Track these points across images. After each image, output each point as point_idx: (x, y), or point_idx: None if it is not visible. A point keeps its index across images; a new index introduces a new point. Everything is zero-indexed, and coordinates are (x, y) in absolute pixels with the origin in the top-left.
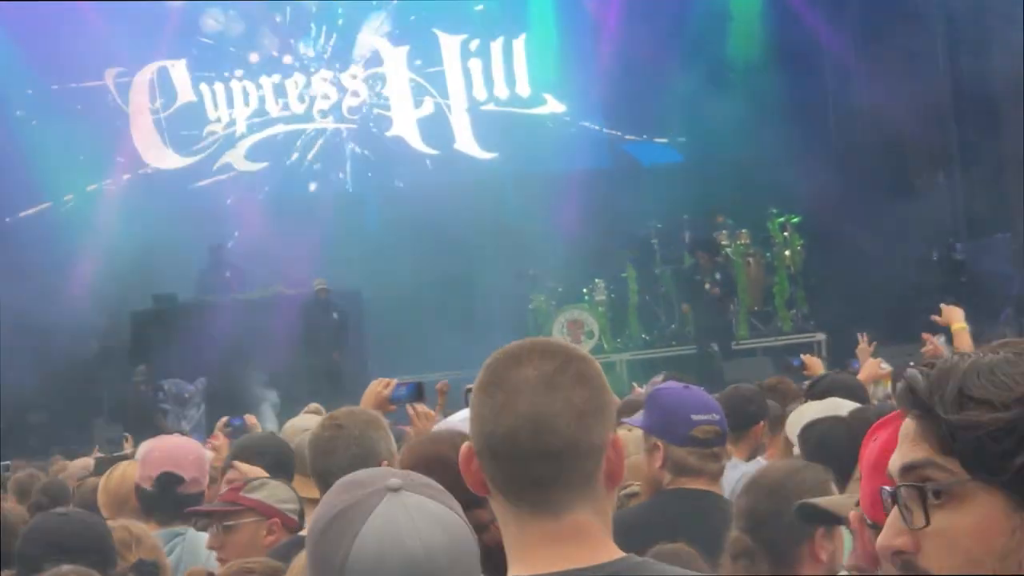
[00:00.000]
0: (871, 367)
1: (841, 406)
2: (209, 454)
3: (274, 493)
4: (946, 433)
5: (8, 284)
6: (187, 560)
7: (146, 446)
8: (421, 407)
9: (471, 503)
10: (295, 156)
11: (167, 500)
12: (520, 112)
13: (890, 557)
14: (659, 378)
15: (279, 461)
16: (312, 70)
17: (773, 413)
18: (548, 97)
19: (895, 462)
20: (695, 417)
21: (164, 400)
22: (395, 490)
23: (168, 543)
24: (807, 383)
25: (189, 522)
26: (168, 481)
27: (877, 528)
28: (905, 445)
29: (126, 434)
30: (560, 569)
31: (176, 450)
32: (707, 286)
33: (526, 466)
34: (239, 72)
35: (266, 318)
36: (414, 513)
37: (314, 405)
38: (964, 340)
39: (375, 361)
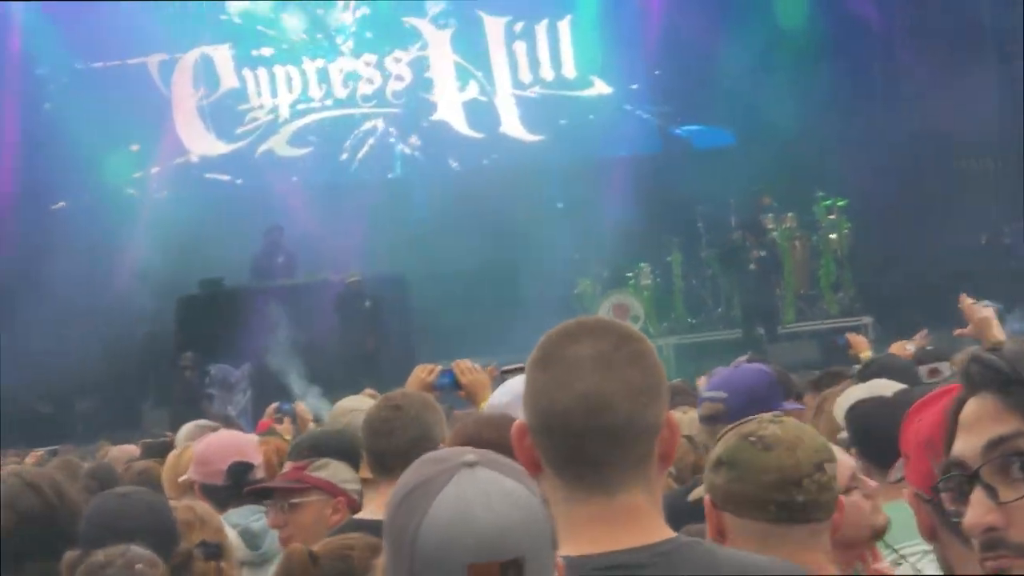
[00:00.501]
0: (897, 348)
1: (886, 387)
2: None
3: (337, 473)
4: None
5: (56, 271)
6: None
7: (199, 444)
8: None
9: None
10: (338, 142)
11: (241, 489)
12: (566, 95)
13: (981, 536)
14: (743, 358)
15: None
16: (355, 55)
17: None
18: (595, 79)
19: (972, 443)
20: (705, 394)
21: (210, 385)
22: (470, 465)
23: (251, 516)
24: (858, 366)
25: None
26: (241, 470)
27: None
28: (985, 423)
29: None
30: (612, 549)
31: (235, 440)
32: (751, 265)
33: (581, 444)
34: (282, 57)
35: (311, 304)
36: (487, 488)
37: (369, 390)
38: (993, 328)
39: (420, 346)
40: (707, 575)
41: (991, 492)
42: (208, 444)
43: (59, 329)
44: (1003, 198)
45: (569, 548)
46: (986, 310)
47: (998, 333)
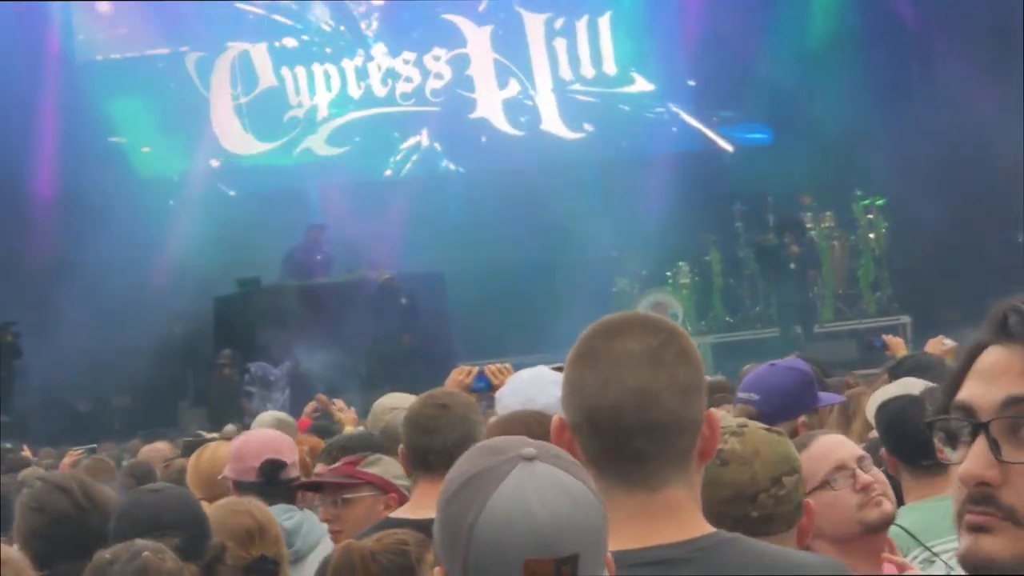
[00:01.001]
0: (934, 344)
1: (915, 385)
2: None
3: (388, 469)
4: None
5: (95, 270)
6: (307, 526)
7: (236, 441)
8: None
9: None
10: (377, 140)
11: (273, 486)
12: (608, 92)
13: (972, 486)
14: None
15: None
16: (394, 53)
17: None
18: (636, 76)
19: (989, 394)
20: (739, 395)
21: (250, 383)
22: (529, 459)
23: (283, 515)
24: (889, 364)
25: (295, 504)
26: (273, 468)
27: None
28: (1010, 377)
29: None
30: (653, 544)
31: (271, 438)
32: (790, 264)
33: (629, 440)
34: (320, 56)
35: (350, 302)
36: (544, 483)
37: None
38: None
39: (457, 344)
40: (746, 572)
41: (995, 447)
42: (243, 441)
43: (98, 328)
44: None
45: (611, 544)
46: None
47: None
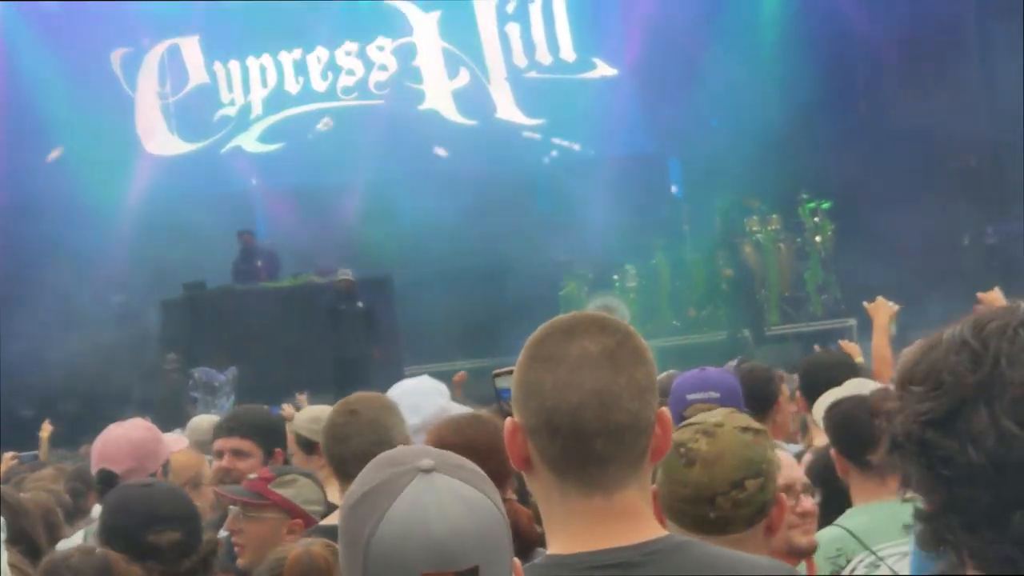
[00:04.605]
0: (882, 305)
1: (865, 385)
2: (172, 436)
3: (302, 492)
4: None
5: (39, 276)
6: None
7: (99, 439)
8: None
9: None
10: (317, 138)
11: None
12: (567, 79)
13: None
14: (733, 363)
15: (270, 434)
16: (335, 44)
17: None
18: (597, 61)
19: None
20: (690, 396)
21: (194, 388)
22: (427, 471)
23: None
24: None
25: None
26: (105, 478)
27: None
28: None
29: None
30: (607, 547)
31: (110, 442)
32: (735, 268)
33: (589, 443)
34: (256, 49)
35: (297, 307)
36: (443, 494)
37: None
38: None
39: (406, 349)
40: (699, 574)
41: None
42: (97, 441)
43: (42, 333)
44: (986, 198)
45: (561, 546)
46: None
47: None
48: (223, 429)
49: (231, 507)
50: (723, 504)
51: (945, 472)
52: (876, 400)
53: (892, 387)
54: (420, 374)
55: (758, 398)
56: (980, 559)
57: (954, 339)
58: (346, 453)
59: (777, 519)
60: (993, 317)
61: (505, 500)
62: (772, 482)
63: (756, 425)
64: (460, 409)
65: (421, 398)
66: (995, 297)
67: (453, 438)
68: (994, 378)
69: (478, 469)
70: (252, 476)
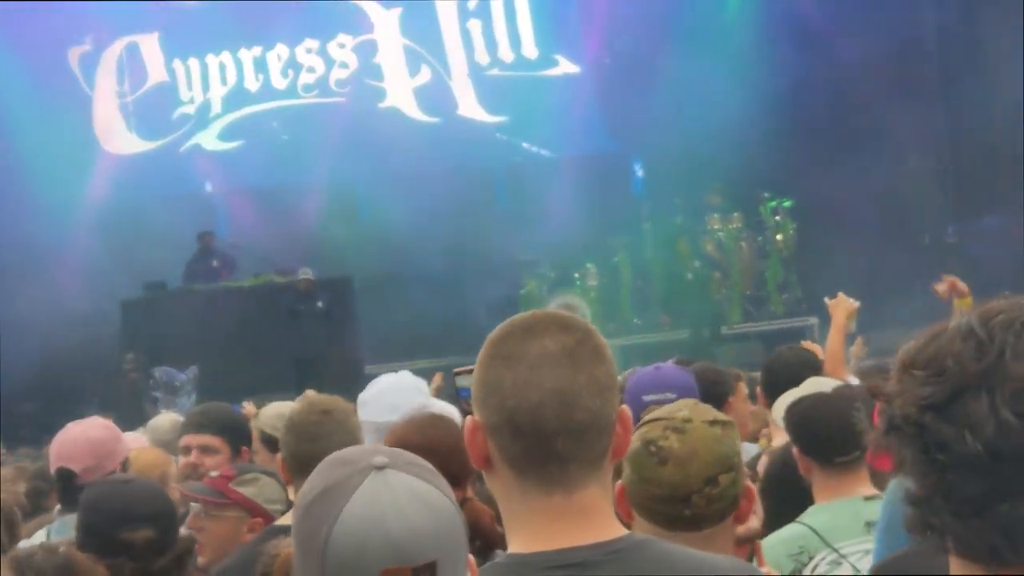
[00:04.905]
0: (842, 301)
1: (825, 383)
2: (133, 435)
3: (263, 491)
4: None
5: None
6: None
7: (57, 438)
8: None
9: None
10: (277, 136)
11: (70, 495)
12: (529, 76)
13: None
14: (671, 362)
15: (237, 432)
16: (296, 41)
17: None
18: (560, 58)
19: None
20: (646, 397)
21: (155, 388)
22: (380, 468)
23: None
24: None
25: None
26: (64, 477)
27: None
28: None
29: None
30: (568, 546)
31: (68, 442)
32: (688, 274)
33: (550, 441)
34: (216, 46)
35: (257, 307)
36: (398, 493)
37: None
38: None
39: (366, 348)
40: (660, 574)
41: None
42: (55, 439)
43: (1, 333)
44: (946, 198)
45: (522, 544)
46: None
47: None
48: (192, 425)
49: (192, 504)
50: (698, 502)
51: (940, 457)
52: (875, 383)
53: (893, 371)
54: (381, 373)
55: (707, 398)
56: (964, 545)
57: (961, 327)
58: (316, 452)
59: (746, 509)
60: (1001, 310)
61: (467, 499)
62: (741, 474)
63: (723, 417)
64: (441, 406)
65: (400, 395)
66: (953, 280)
67: (413, 437)
68: (997, 369)
69: (430, 465)
70: (214, 474)
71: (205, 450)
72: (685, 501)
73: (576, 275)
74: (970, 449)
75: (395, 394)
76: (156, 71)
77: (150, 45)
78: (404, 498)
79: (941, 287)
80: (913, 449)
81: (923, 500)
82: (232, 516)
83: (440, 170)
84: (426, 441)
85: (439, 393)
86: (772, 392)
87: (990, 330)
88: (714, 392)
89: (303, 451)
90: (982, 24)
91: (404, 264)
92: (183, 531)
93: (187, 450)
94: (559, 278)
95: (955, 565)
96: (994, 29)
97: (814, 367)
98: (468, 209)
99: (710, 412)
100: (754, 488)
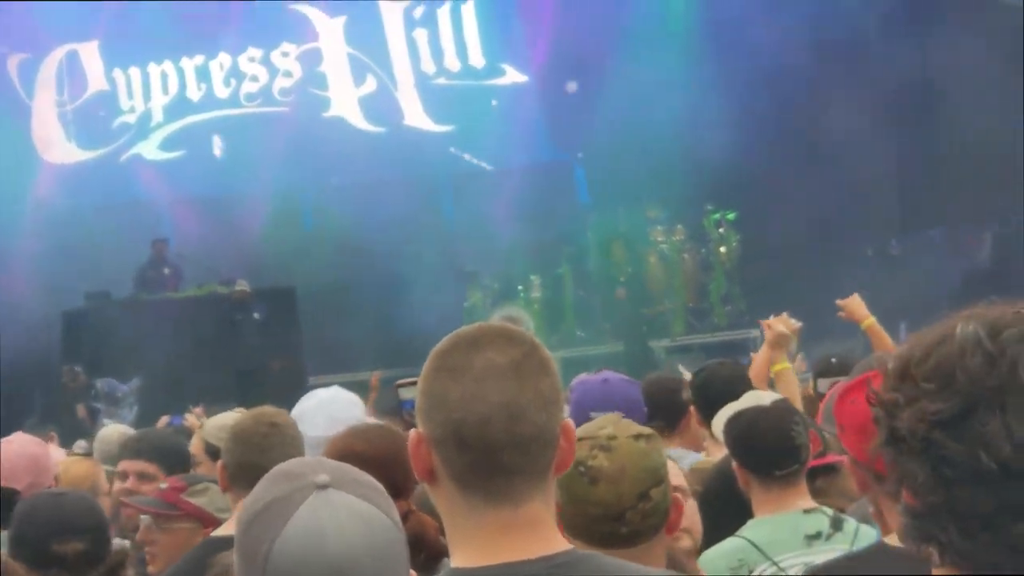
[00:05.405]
0: (783, 322)
1: (764, 397)
2: (59, 450)
3: (214, 500)
4: None
5: None
6: None
7: None
8: None
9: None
10: (220, 145)
11: (8, 511)
12: (476, 85)
13: None
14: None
15: (175, 458)
16: (239, 50)
17: None
18: (507, 67)
19: None
20: (593, 414)
21: (96, 399)
22: (323, 486)
23: None
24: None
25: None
26: (9, 495)
27: (873, 473)
28: None
29: (51, 433)
30: (512, 560)
31: (7, 460)
32: (618, 291)
33: (496, 455)
34: (157, 55)
35: (200, 318)
36: (340, 512)
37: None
38: (881, 335)
39: (310, 359)
40: None
41: None
42: (2, 458)
43: None
44: (888, 210)
45: (465, 559)
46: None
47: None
48: (130, 451)
49: (142, 517)
50: (633, 518)
51: (948, 473)
52: (872, 390)
53: (889, 376)
54: (324, 385)
55: (666, 409)
56: (969, 561)
57: (967, 339)
58: (264, 464)
59: (675, 519)
60: (1010, 322)
61: (412, 512)
62: (669, 484)
63: (646, 431)
64: (376, 422)
65: (338, 409)
66: (857, 303)
67: (356, 447)
68: (1011, 384)
69: (375, 483)
70: (163, 486)
71: (142, 476)
72: (620, 519)
73: (520, 287)
74: (984, 467)
75: (333, 408)
76: (96, 80)
77: (90, 53)
78: (345, 519)
79: (843, 313)
80: (920, 464)
81: (924, 514)
82: (184, 527)
83: (385, 180)
84: (370, 450)
85: (375, 402)
86: (705, 407)
87: (1000, 343)
88: (672, 403)
89: (249, 462)
90: (928, 36)
91: (348, 274)
92: (116, 543)
93: (124, 476)
94: (503, 290)
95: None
96: (939, 41)
97: (747, 381)
98: (412, 219)
99: (633, 427)
100: (681, 499)
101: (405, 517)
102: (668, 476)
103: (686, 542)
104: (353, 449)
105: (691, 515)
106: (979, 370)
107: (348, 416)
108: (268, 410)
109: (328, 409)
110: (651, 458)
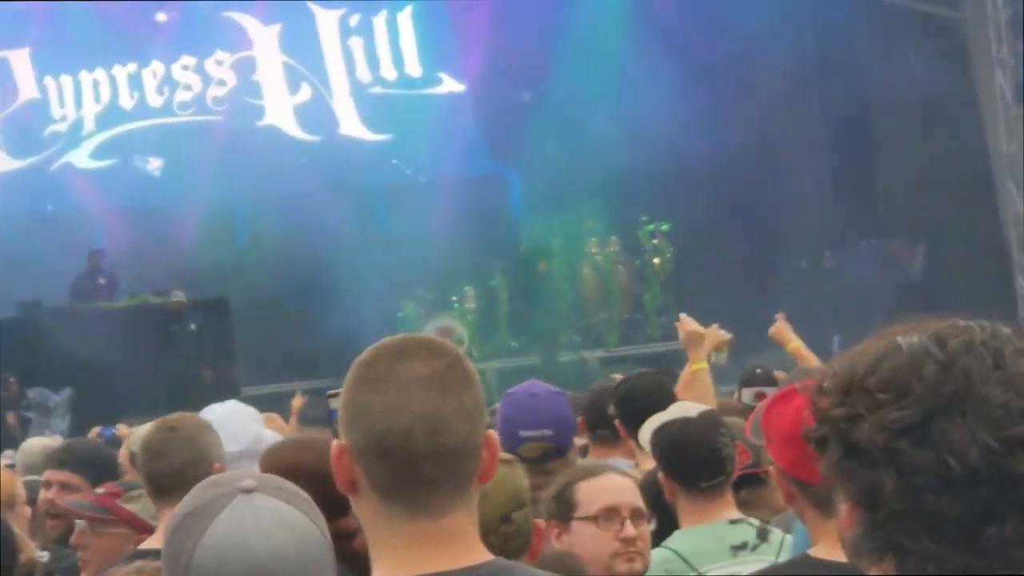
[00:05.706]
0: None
1: (690, 408)
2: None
3: (147, 507)
4: None
5: None
6: None
7: None
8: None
9: (338, 511)
10: (152, 155)
11: None
12: (412, 95)
13: None
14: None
15: (100, 469)
16: (172, 58)
17: None
18: (444, 76)
19: None
20: (523, 433)
21: (28, 409)
22: (248, 491)
23: None
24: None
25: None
26: None
27: (800, 484)
28: None
29: None
30: (434, 571)
31: None
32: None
33: (420, 466)
34: (89, 63)
35: (133, 328)
36: (263, 516)
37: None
38: (805, 358)
39: (243, 369)
40: None
41: None
42: None
43: None
44: (824, 222)
45: (389, 570)
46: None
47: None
48: (54, 461)
49: (77, 522)
50: (495, 541)
51: (916, 480)
52: (817, 407)
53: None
54: (257, 394)
55: (609, 420)
56: (939, 566)
57: (916, 349)
58: (163, 468)
59: (536, 546)
60: (952, 333)
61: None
62: (530, 509)
63: (506, 455)
64: (274, 438)
65: (238, 425)
66: (783, 327)
67: (289, 459)
68: (969, 392)
69: (301, 491)
70: (99, 491)
71: (65, 487)
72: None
73: (454, 298)
74: (952, 472)
75: (233, 424)
76: (27, 87)
77: (21, 61)
78: (268, 521)
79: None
80: (884, 473)
81: (887, 523)
82: (118, 533)
83: (319, 189)
84: (302, 463)
85: (301, 413)
86: (628, 418)
87: (949, 353)
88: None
89: (151, 468)
90: (867, 54)
91: (282, 285)
92: (28, 557)
93: (48, 485)
94: (437, 300)
95: None
96: (878, 46)
97: (669, 392)
98: (347, 229)
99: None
100: (543, 525)
101: (353, 536)
102: (529, 501)
103: (638, 565)
104: (281, 462)
105: (646, 538)
106: (935, 379)
107: (248, 432)
108: (171, 416)
109: (228, 425)
110: (512, 482)
